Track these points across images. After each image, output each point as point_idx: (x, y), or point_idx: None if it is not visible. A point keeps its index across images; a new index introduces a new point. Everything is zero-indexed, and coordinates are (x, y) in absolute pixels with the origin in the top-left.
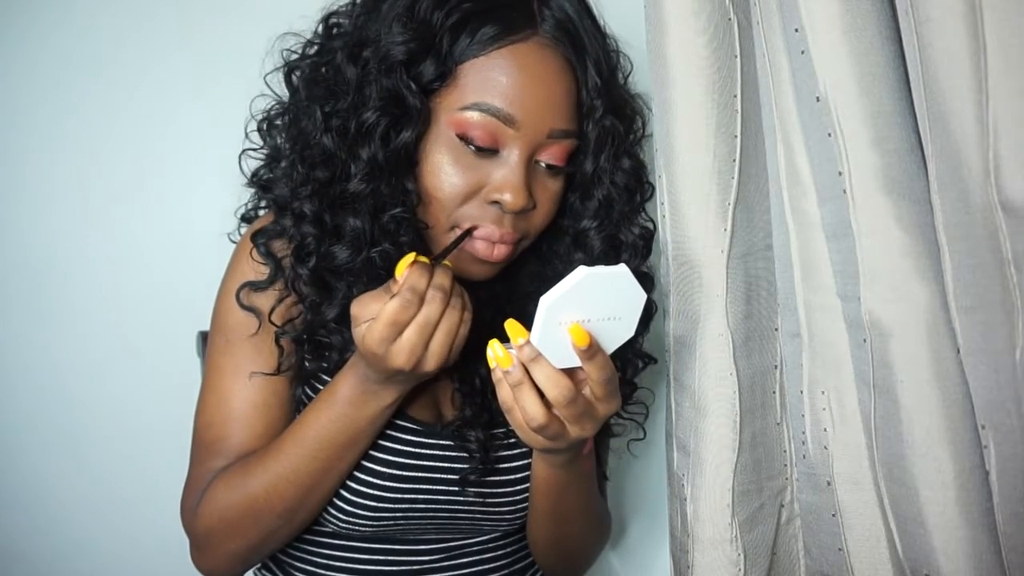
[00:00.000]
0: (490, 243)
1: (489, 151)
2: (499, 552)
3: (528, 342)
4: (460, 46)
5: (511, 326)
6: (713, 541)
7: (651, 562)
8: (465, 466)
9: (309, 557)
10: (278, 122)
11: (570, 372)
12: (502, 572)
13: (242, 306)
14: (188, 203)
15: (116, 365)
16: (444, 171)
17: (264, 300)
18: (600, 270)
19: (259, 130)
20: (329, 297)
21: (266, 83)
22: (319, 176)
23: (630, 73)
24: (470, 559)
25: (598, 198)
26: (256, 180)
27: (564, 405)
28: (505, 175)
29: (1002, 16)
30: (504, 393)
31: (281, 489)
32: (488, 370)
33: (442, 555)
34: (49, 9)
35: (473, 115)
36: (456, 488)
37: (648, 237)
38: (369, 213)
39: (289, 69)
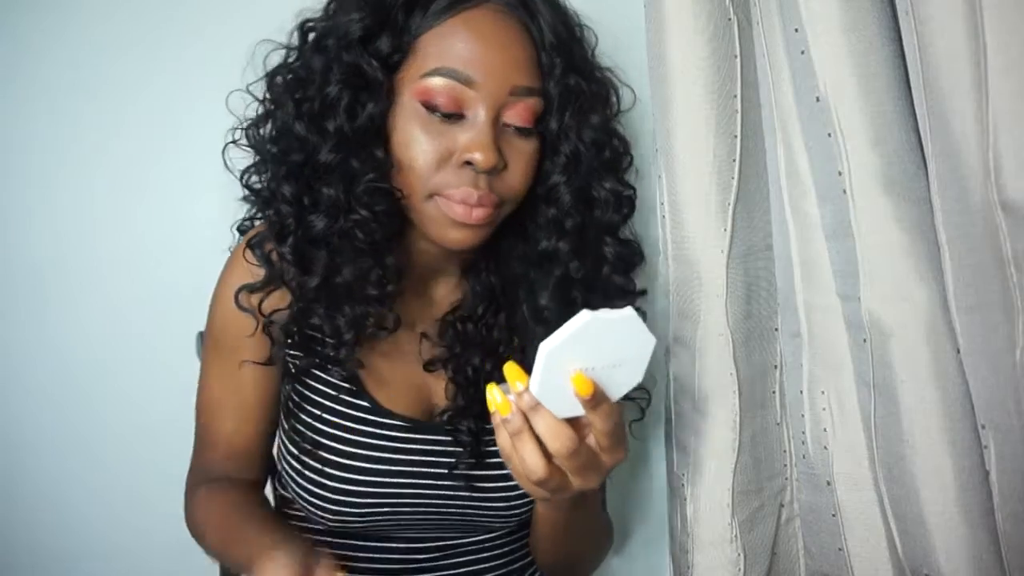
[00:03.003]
0: (468, 206)
1: (455, 115)
2: (495, 552)
3: (527, 390)
4: (415, 20)
5: (510, 370)
6: (713, 541)
7: (651, 562)
8: (455, 460)
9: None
10: (263, 130)
11: (573, 420)
12: (498, 572)
13: (241, 308)
14: (190, 206)
15: (121, 364)
16: (415, 140)
17: (256, 300)
18: (604, 314)
19: (247, 136)
20: (310, 270)
21: (249, 92)
22: (294, 159)
23: (596, 44)
24: (466, 558)
25: (565, 153)
26: (245, 184)
27: (566, 457)
28: (472, 136)
29: (1002, 16)
30: (503, 440)
31: (216, 549)
32: (481, 358)
33: (438, 553)
34: (54, 11)
35: (434, 81)
36: (445, 477)
37: (620, 194)
38: (342, 183)
39: (271, 76)
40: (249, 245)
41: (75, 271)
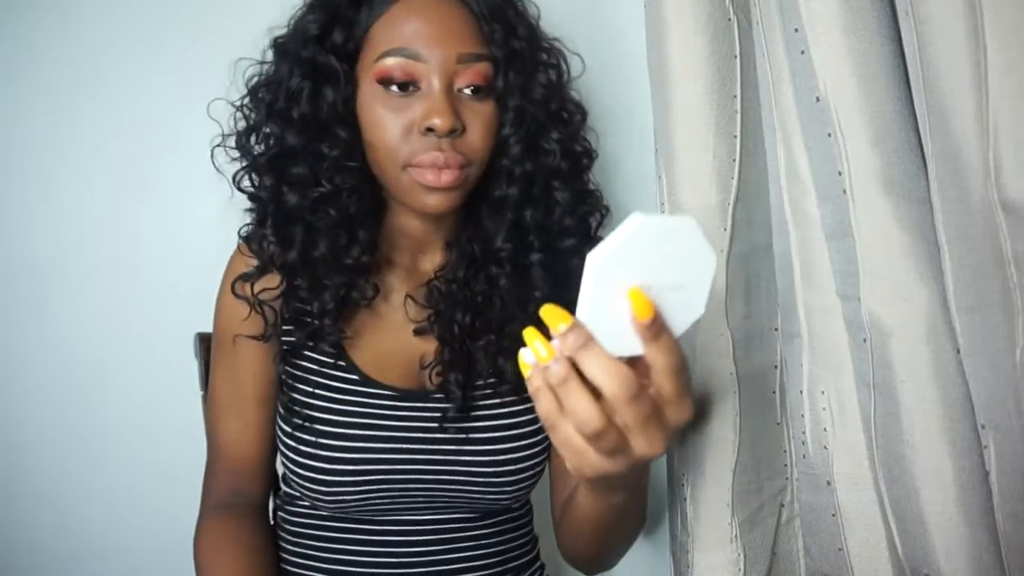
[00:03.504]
0: (436, 169)
1: (410, 87)
2: (493, 548)
3: (574, 325)
4: (363, 13)
5: (549, 312)
6: (713, 541)
7: (651, 562)
8: (445, 413)
9: (304, 550)
10: (248, 139)
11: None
12: (495, 570)
13: (237, 296)
14: (190, 206)
15: (120, 364)
16: (379, 118)
17: (250, 287)
18: (660, 220)
19: (237, 146)
20: (290, 246)
21: (233, 105)
22: (272, 152)
23: (539, 17)
24: (465, 553)
25: (512, 108)
26: (237, 186)
27: (626, 402)
28: (429, 104)
29: (1002, 16)
30: (545, 404)
31: None
32: (463, 314)
33: (438, 547)
34: (54, 10)
35: (387, 61)
36: (437, 442)
37: (567, 145)
38: (308, 163)
39: (253, 93)
40: (244, 238)
41: (75, 271)
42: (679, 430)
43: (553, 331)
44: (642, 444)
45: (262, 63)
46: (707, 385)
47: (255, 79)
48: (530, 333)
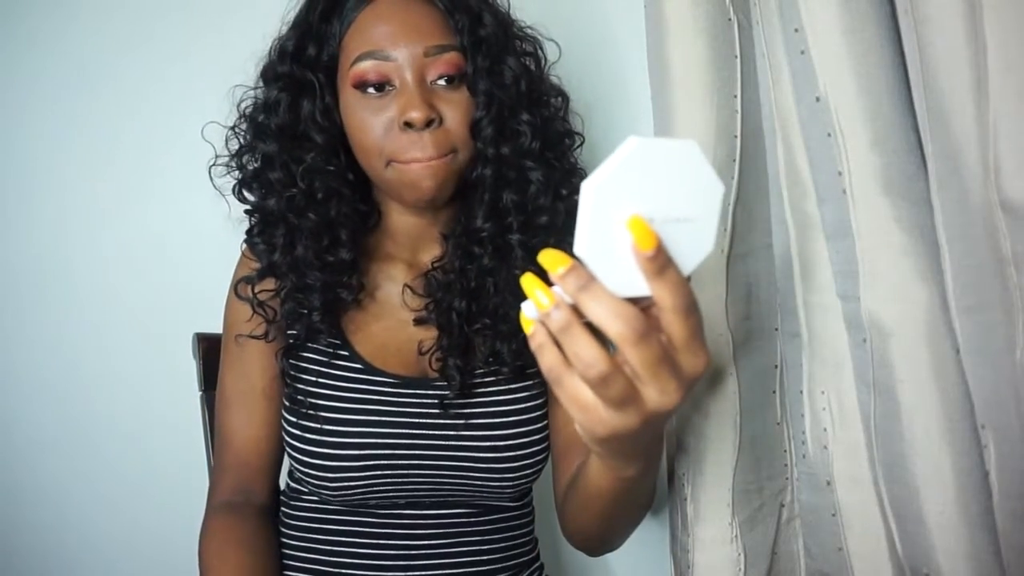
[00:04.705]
0: (422, 164)
1: (386, 87)
2: (497, 546)
3: (573, 266)
4: (334, 26)
5: (548, 255)
6: (713, 541)
7: (651, 562)
8: (445, 395)
9: (307, 544)
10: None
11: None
12: (496, 566)
13: (240, 297)
14: (191, 206)
15: (120, 364)
16: (360, 120)
17: (251, 288)
18: (659, 142)
19: (236, 166)
20: (274, 246)
21: (231, 129)
22: (258, 167)
23: (509, 7)
24: (469, 547)
25: (482, 92)
26: (236, 197)
27: (633, 343)
28: (404, 99)
29: (1002, 16)
30: (549, 357)
31: None
32: (459, 300)
33: (442, 541)
34: (59, 8)
35: (360, 65)
36: (439, 428)
37: (537, 125)
38: (284, 168)
39: (251, 120)
40: (247, 243)
41: (75, 271)
42: (695, 383)
43: (552, 274)
44: (653, 394)
45: (256, 88)
46: (707, 385)
47: (243, 103)
48: (528, 280)
